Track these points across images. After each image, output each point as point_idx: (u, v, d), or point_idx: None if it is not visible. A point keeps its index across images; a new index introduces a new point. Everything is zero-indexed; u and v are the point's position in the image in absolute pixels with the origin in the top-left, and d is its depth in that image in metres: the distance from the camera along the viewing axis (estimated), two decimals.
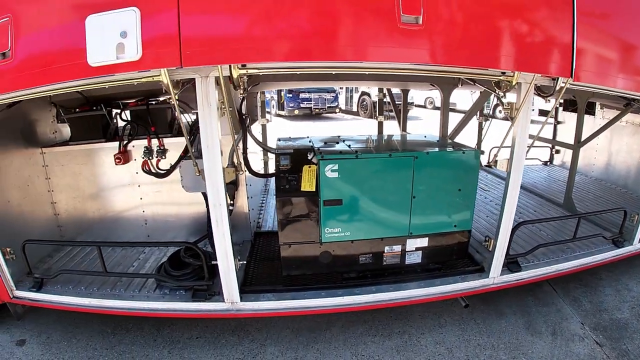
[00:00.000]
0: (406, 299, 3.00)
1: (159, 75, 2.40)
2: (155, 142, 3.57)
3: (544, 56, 2.71)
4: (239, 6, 2.27)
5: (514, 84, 2.70)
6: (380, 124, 5.10)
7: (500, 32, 2.61)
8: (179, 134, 3.69)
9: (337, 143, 3.33)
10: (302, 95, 15.55)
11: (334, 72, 2.56)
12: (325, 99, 16.11)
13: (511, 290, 3.45)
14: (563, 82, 2.80)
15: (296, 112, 15.76)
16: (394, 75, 3.62)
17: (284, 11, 2.28)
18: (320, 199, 2.90)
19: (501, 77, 2.77)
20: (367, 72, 2.47)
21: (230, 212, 3.41)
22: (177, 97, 2.51)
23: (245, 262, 2.67)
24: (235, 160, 3.20)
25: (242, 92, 2.55)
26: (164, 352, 3.29)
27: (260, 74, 2.44)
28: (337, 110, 16.89)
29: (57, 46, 2.43)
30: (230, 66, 2.37)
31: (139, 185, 3.84)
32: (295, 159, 3.01)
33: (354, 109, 17.69)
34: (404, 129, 4.59)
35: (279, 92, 16.38)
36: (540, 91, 3.01)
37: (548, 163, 6.79)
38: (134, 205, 3.89)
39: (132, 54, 2.16)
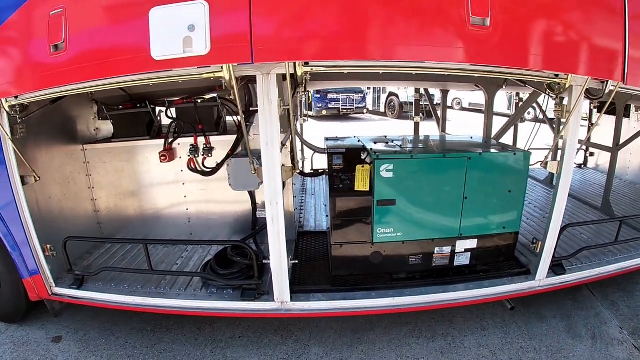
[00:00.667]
0: (455, 301, 2.90)
1: (220, 72, 2.31)
2: (201, 140, 3.43)
3: (598, 59, 2.62)
4: (307, 4, 2.18)
5: (567, 86, 2.64)
6: (417, 125, 4.92)
7: (558, 35, 2.52)
8: (225, 132, 3.60)
9: (386, 143, 3.26)
10: (330, 96, 14.90)
11: (392, 72, 2.49)
12: (353, 100, 15.45)
13: (550, 293, 3.39)
14: (613, 86, 2.74)
15: (324, 112, 15.09)
16: (440, 76, 3.56)
17: (354, 10, 2.19)
18: (374, 198, 2.80)
19: (555, 80, 2.71)
20: (416, 72, 2.39)
21: None
22: (236, 95, 2.44)
23: (296, 261, 2.59)
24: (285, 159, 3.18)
25: (303, 90, 2.48)
26: (206, 351, 3.18)
27: (324, 71, 2.36)
28: (365, 110, 16.25)
29: (116, 39, 2.31)
30: (295, 63, 2.28)
31: (183, 183, 3.71)
32: (347, 158, 2.88)
33: (382, 109, 16.88)
34: (443, 129, 4.53)
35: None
36: (589, 94, 2.95)
37: (582, 166, 6.56)
38: (177, 203, 3.74)
39: (201, 48, 2.04)
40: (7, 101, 2.73)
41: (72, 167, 3.56)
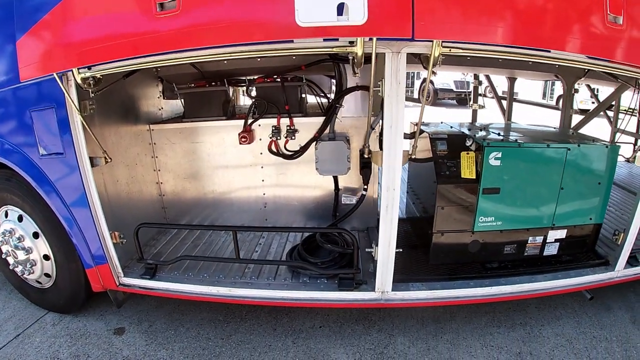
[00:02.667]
0: (544, 290, 2.64)
1: (352, 46, 2.01)
2: (285, 122, 2.99)
3: None
4: None
5: None
6: (475, 112, 4.51)
7: None
8: (309, 113, 3.16)
9: (481, 130, 2.97)
10: None
11: (513, 58, 2.25)
12: None
13: (614, 284, 3.34)
14: None
15: None
16: (519, 63, 3.32)
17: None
18: (480, 186, 2.51)
19: None
20: (534, 60, 2.17)
21: (362, 197, 3.07)
22: (356, 72, 2.14)
23: (400, 249, 2.38)
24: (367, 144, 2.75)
25: (433, 72, 2.19)
26: (288, 342, 2.75)
27: (461, 54, 2.10)
28: None
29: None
30: (433, 43, 1.87)
31: (261, 167, 3.22)
32: (450, 144, 2.58)
33: (415, 95, 15.60)
34: (508, 117, 4.36)
35: None
36: None
37: (630, 160, 5.83)
38: (254, 187, 3.25)
39: (358, 17, 1.65)
40: (79, 72, 2.25)
41: (139, 149, 3.03)
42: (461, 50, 1.97)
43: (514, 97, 4.58)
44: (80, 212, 2.54)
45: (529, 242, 2.74)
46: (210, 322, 2.95)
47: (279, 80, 2.88)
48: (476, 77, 4.32)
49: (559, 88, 11.97)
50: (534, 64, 3.25)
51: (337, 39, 1.94)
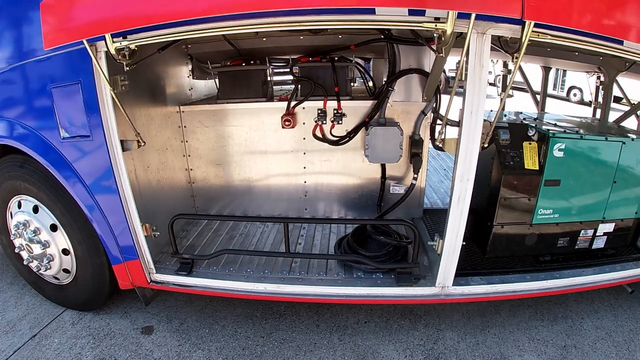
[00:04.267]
0: (595, 284, 2.45)
1: (442, 23, 1.73)
2: (332, 105, 2.63)
3: None
4: None
5: None
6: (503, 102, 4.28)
7: None
8: (354, 97, 2.80)
9: (536, 120, 2.80)
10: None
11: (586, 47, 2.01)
12: None
13: None
14: None
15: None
16: (563, 52, 3.13)
17: None
18: (543, 178, 2.31)
19: None
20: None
21: (412, 187, 2.81)
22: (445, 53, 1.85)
23: (464, 242, 2.16)
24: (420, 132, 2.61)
25: (514, 58, 1.75)
26: (334, 339, 2.50)
27: (549, 41, 1.83)
28: None
29: None
30: (525, 24, 1.57)
31: (304, 153, 2.85)
32: (512, 134, 2.34)
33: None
34: (542, 108, 4.02)
35: None
36: None
37: None
38: (294, 174, 2.89)
39: None
40: (113, 41, 1.82)
41: (169, 132, 2.64)
42: (550, 37, 1.72)
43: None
44: (108, 203, 2.16)
45: (580, 235, 2.57)
46: (247, 319, 2.65)
47: (327, 59, 2.55)
48: (505, 65, 4.10)
49: (569, 80, 11.56)
50: (580, 55, 3.07)
51: (423, 12, 1.64)
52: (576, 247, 2.60)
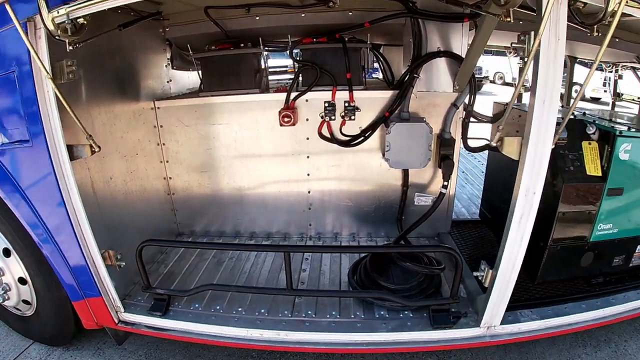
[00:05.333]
0: None
1: None
2: (342, 97, 2.05)
3: None
4: None
5: None
6: (520, 96, 3.81)
7: None
8: (369, 87, 2.21)
9: (584, 114, 2.21)
10: None
11: None
12: None
13: None
14: None
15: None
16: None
17: None
18: (606, 186, 1.80)
19: None
20: None
21: (441, 197, 2.25)
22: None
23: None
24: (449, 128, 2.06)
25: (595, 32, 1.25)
26: None
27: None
28: None
29: None
30: None
31: (307, 156, 2.24)
32: (568, 132, 1.80)
33: None
34: (567, 102, 3.33)
35: None
36: None
37: None
38: (296, 182, 2.29)
39: None
40: (49, 12, 1.30)
41: (141, 133, 2.07)
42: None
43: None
44: (56, 225, 1.64)
45: (636, 251, 2.07)
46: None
47: (336, 39, 1.99)
48: (522, 58, 3.50)
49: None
50: (620, 42, 2.53)
51: None
52: (630, 264, 2.08)
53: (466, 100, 2.02)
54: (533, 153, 1.35)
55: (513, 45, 1.32)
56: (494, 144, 1.40)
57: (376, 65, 2.73)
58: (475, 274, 1.65)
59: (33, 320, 2.01)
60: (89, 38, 1.48)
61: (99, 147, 1.57)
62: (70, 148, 1.51)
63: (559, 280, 2.06)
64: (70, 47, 1.41)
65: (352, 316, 1.76)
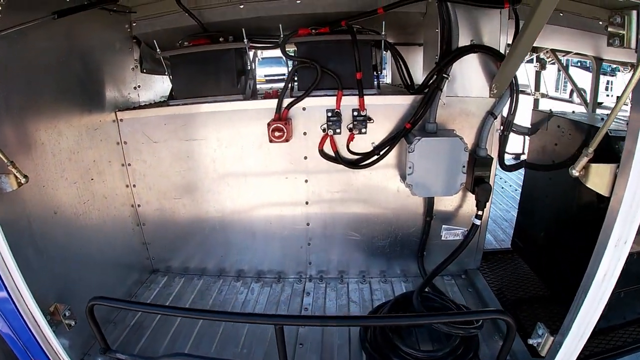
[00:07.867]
0: None
1: None
2: (350, 103, 1.59)
3: None
4: None
5: None
6: (536, 102, 3.09)
7: None
8: (384, 92, 1.75)
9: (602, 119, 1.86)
10: None
11: None
12: None
13: None
14: None
15: None
16: None
17: None
18: None
19: None
20: None
21: (474, 230, 1.78)
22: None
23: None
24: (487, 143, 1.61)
25: None
26: None
27: None
28: None
29: None
30: None
31: (306, 180, 1.78)
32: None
33: None
34: (593, 109, 2.75)
35: None
36: None
37: None
38: (291, 213, 1.83)
39: None
40: None
41: (98, 152, 1.62)
42: None
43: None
44: None
45: None
46: None
47: (343, 28, 1.53)
48: (539, 59, 3.08)
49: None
50: None
51: None
52: None
53: (505, 109, 1.57)
54: (634, 188, 0.89)
55: (606, 27, 0.86)
56: (575, 173, 0.95)
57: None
58: (530, 341, 1.19)
59: None
60: (7, 28, 1.04)
61: (25, 176, 1.14)
62: None
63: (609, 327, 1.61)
64: None
65: None
